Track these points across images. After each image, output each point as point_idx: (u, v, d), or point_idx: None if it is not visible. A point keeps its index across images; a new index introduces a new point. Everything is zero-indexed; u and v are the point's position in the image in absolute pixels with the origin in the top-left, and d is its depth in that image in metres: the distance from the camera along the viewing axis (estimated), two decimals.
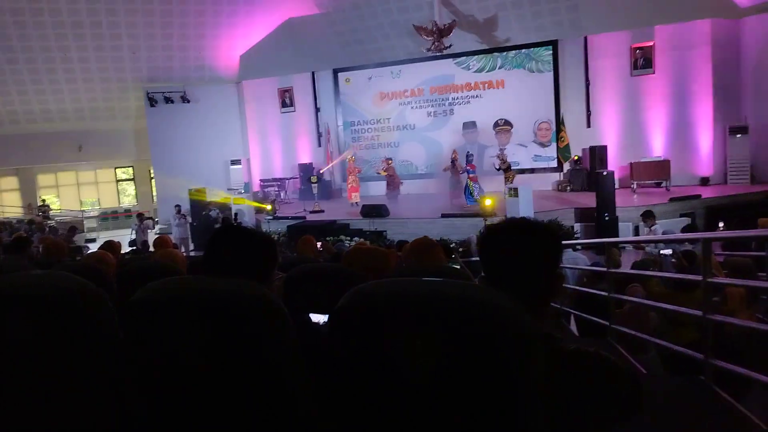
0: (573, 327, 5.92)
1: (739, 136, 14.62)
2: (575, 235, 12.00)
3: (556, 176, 16.95)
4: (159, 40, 19.27)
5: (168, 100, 19.63)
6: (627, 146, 15.81)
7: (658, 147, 15.63)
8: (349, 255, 2.58)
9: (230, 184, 19.72)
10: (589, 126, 16.39)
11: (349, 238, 12.48)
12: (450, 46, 17.52)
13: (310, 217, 15.42)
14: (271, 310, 1.18)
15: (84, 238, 18.19)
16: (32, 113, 20.28)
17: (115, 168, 24.05)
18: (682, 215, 12.31)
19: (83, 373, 1.26)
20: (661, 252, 5.84)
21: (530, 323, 0.96)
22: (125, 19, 18.19)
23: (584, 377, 1.13)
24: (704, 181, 15.15)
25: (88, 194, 23.98)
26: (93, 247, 10.89)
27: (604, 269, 5.06)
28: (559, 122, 16.39)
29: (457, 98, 18.10)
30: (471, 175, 14.58)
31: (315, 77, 19.76)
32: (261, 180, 20.34)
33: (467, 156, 14.89)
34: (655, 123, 15.74)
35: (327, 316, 1.88)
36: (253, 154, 21.07)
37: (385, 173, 16.55)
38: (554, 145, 16.70)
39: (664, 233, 9.10)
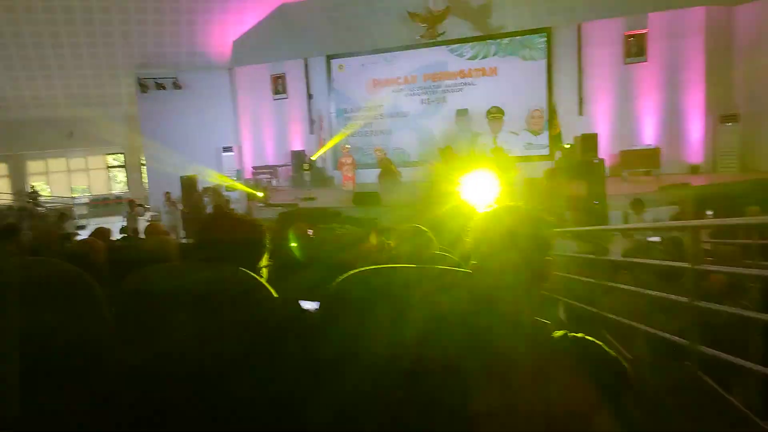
0: (562, 313, 5.96)
1: (729, 124, 14.67)
2: (565, 223, 12.03)
3: (548, 164, 16.96)
4: (150, 26, 19.06)
5: (160, 86, 19.45)
6: (618, 134, 15.84)
7: (649, 135, 15.67)
8: (327, 242, 2.57)
9: (222, 171, 19.62)
10: (581, 114, 16.40)
11: (341, 226, 12.47)
12: (443, 33, 17.43)
13: (303, 205, 15.39)
14: (260, 296, 1.19)
15: (74, 225, 18.08)
16: (22, 99, 20.05)
17: (106, 154, 23.86)
18: (671, 203, 12.37)
19: (74, 360, 1.27)
20: (649, 240, 5.88)
21: (520, 309, 0.98)
22: (116, 4, 17.96)
23: (572, 362, 1.14)
24: (694, 170, 15.21)
25: (79, 181, 23.81)
26: (83, 235, 10.82)
27: (593, 256, 5.10)
28: (552, 110, 16.40)
29: (450, 86, 18.05)
30: None
31: (308, 64, 19.63)
32: (253, 167, 20.24)
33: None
34: (646, 111, 15.77)
35: (318, 303, 1.89)
36: (245, 141, 20.96)
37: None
38: (546, 133, 16.72)
39: (654, 221, 9.16)
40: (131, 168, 23.91)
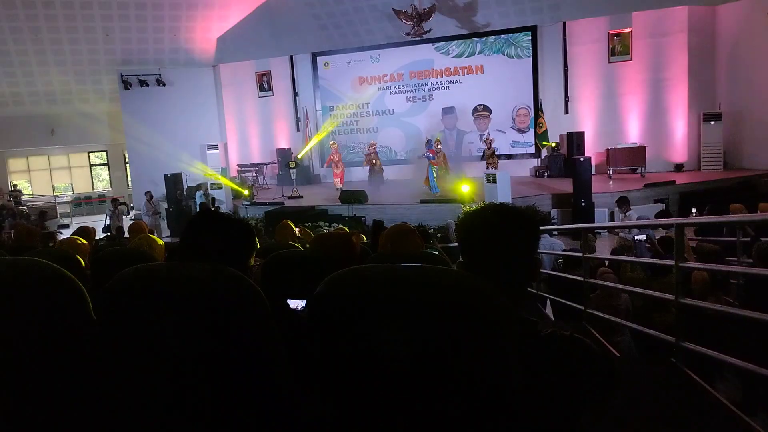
0: (549, 311, 6.00)
1: (713, 122, 14.86)
2: (552, 221, 12.13)
3: (534, 162, 17.08)
4: (133, 22, 18.85)
5: (143, 83, 19.28)
6: (604, 132, 15.98)
7: (634, 133, 15.83)
8: (313, 242, 2.57)
9: (206, 170, 19.49)
10: (567, 112, 16.52)
11: (327, 224, 12.46)
12: (429, 30, 17.44)
13: (289, 203, 15.35)
14: (249, 296, 1.18)
15: (57, 223, 17.89)
16: (2, 96, 19.75)
17: (89, 152, 23.60)
18: (656, 201, 12.51)
19: (57, 361, 1.24)
20: (636, 237, 5.93)
21: (507, 307, 0.97)
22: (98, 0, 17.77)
23: (560, 360, 1.14)
24: (678, 168, 15.39)
25: (61, 179, 23.52)
26: (66, 233, 10.72)
27: (580, 254, 5.13)
28: (538, 108, 16.50)
29: (437, 83, 18.08)
30: (432, 161, 14.73)
31: (293, 61, 19.57)
32: (238, 165, 20.15)
33: (427, 142, 15.09)
34: (631, 109, 15.92)
35: (304, 301, 1.88)
36: (230, 139, 20.85)
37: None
38: (532, 131, 16.81)
39: (638, 219, 9.24)
40: (114, 166, 23.66)
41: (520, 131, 17.20)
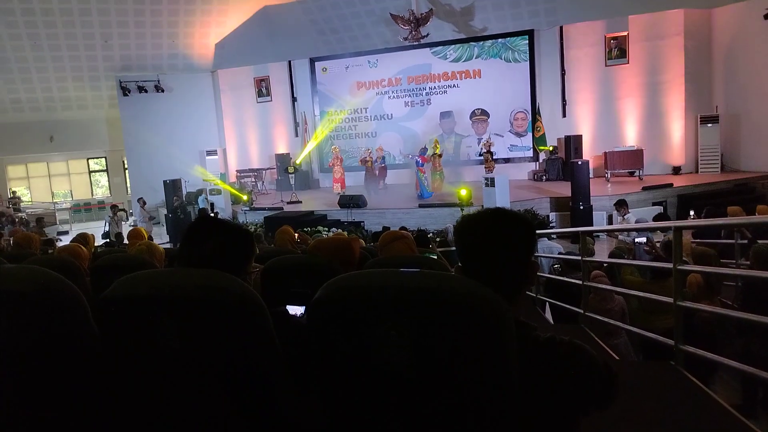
0: (548, 314, 6.00)
1: (710, 125, 14.88)
2: (550, 224, 12.14)
3: (532, 166, 17.10)
4: (131, 28, 18.88)
5: (141, 89, 19.28)
6: (601, 136, 16.00)
7: (631, 136, 15.84)
8: (313, 247, 2.57)
9: (206, 174, 19.48)
10: (564, 116, 16.54)
11: (326, 229, 12.46)
12: (427, 35, 17.47)
13: (288, 208, 15.34)
14: (248, 302, 1.18)
15: (56, 230, 17.87)
16: (2, 103, 19.75)
17: (88, 159, 23.59)
18: (654, 204, 12.52)
19: (57, 368, 1.25)
20: (636, 240, 5.92)
21: (506, 312, 0.98)
22: (97, 6, 17.76)
23: (559, 366, 1.14)
24: (676, 170, 15.41)
25: (60, 186, 23.50)
26: (65, 240, 10.71)
27: (579, 258, 5.13)
28: (535, 112, 16.52)
29: (434, 88, 18.10)
30: (420, 167, 14.81)
31: (291, 66, 19.58)
32: (237, 170, 20.14)
33: (422, 148, 15.21)
34: (628, 112, 15.94)
35: (304, 307, 1.88)
36: (229, 144, 20.84)
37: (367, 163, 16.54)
38: (530, 134, 16.83)
39: (636, 222, 9.25)
40: (113, 172, 23.65)
41: (518, 135, 17.21)
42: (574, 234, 8.82)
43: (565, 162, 15.68)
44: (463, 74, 17.71)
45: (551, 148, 16.40)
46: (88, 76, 19.82)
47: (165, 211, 16.02)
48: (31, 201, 22.14)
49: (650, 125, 15.69)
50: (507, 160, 17.09)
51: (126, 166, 21.71)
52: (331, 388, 1.11)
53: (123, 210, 15.89)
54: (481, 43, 17.45)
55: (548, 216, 12.66)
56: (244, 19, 19.94)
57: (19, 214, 18.20)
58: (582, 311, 4.84)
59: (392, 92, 18.60)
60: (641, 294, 4.29)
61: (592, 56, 16.12)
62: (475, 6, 17.51)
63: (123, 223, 15.07)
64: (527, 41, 16.78)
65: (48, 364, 1.23)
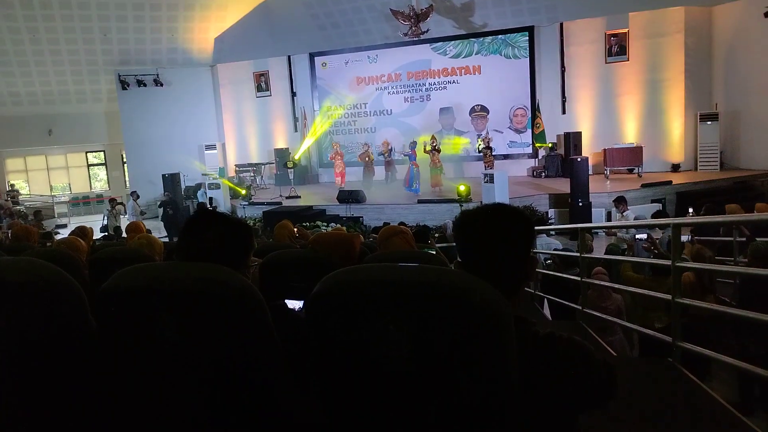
0: (546, 310, 6.01)
1: (709, 122, 14.89)
2: (549, 221, 12.15)
3: (531, 162, 17.10)
4: (130, 22, 18.83)
5: (140, 83, 19.25)
6: (601, 133, 15.99)
7: (631, 133, 15.85)
8: (313, 242, 2.57)
9: (205, 168, 19.47)
10: (564, 112, 16.53)
11: (325, 224, 12.46)
12: (427, 31, 17.46)
13: (287, 203, 15.34)
14: (246, 296, 1.18)
15: (54, 223, 17.86)
16: (0, 96, 19.71)
17: (86, 152, 23.55)
18: (653, 201, 12.53)
19: (54, 361, 1.24)
20: (637, 237, 5.93)
21: (505, 307, 0.98)
22: (96, 0, 17.73)
23: (558, 362, 1.14)
24: (675, 168, 15.41)
25: (59, 179, 23.47)
26: (64, 233, 10.70)
27: (577, 254, 5.14)
28: (535, 108, 16.51)
29: (434, 84, 18.09)
30: (414, 162, 14.84)
31: (291, 61, 19.55)
32: (236, 165, 20.13)
33: (411, 143, 15.21)
34: (628, 110, 15.94)
35: (302, 302, 1.88)
36: (228, 139, 20.83)
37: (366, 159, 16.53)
38: (530, 131, 16.83)
39: (635, 219, 9.26)
40: (112, 166, 23.62)
41: (518, 131, 17.21)
42: (573, 231, 8.83)
43: (564, 159, 15.68)
44: (463, 70, 17.69)
45: (550, 145, 16.40)
46: (86, 70, 19.77)
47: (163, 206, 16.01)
48: (30, 194, 22.11)
49: (650, 122, 15.69)
50: (506, 157, 17.07)
51: (125, 159, 21.69)
52: (330, 382, 1.11)
53: (121, 204, 15.87)
54: (481, 39, 17.42)
55: (547, 213, 12.66)
56: (243, 13, 19.89)
57: (18, 207, 18.19)
58: (580, 308, 4.84)
59: (392, 88, 18.58)
60: (640, 291, 4.30)
61: (592, 53, 16.10)
62: (476, 2, 17.49)
63: (121, 216, 15.06)
64: (527, 37, 16.76)
65: (46, 356, 1.23)
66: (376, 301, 1.01)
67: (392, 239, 2.96)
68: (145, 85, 19.29)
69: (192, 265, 1.28)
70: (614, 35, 15.83)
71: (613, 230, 10.31)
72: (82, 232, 4.86)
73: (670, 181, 13.41)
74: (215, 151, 19.93)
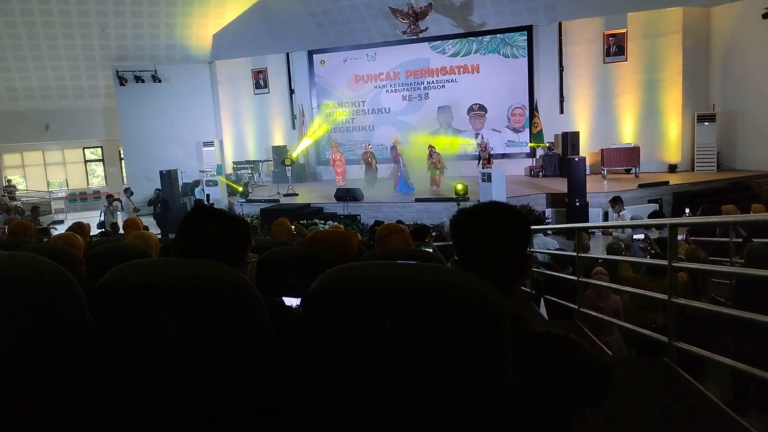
0: (543, 309, 6.01)
1: (706, 123, 14.92)
2: (546, 220, 12.16)
3: (529, 162, 17.11)
4: (129, 18, 18.77)
5: (138, 79, 19.20)
6: (598, 133, 16.01)
7: (628, 134, 15.87)
8: (311, 240, 2.57)
9: (202, 165, 19.44)
10: (562, 112, 16.54)
11: (323, 222, 12.45)
12: (426, 29, 17.45)
13: (284, 200, 15.33)
14: (243, 292, 1.18)
15: (51, 219, 17.81)
16: None
17: (84, 148, 23.47)
18: (650, 201, 12.55)
19: (52, 355, 1.24)
20: (634, 237, 5.95)
21: (502, 305, 0.98)
22: None
23: (554, 361, 1.14)
24: (672, 168, 15.44)
25: (56, 175, 23.39)
26: (60, 229, 10.67)
27: (574, 254, 5.15)
28: (533, 108, 16.51)
29: (432, 82, 18.08)
30: (398, 165, 14.87)
31: (289, 58, 19.52)
32: (234, 162, 20.10)
33: (391, 148, 15.22)
34: (626, 110, 15.96)
35: (299, 299, 1.88)
36: (225, 136, 20.79)
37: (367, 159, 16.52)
38: (527, 130, 16.84)
39: (632, 219, 9.27)
40: (109, 162, 23.55)
41: (516, 131, 17.22)
42: (570, 230, 8.83)
43: (561, 158, 15.69)
44: (462, 69, 17.69)
45: (547, 145, 16.41)
46: (84, 65, 19.71)
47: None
48: (26, 190, 22.03)
49: (647, 123, 15.71)
50: (504, 156, 17.08)
51: (122, 156, 21.62)
52: (328, 379, 1.12)
53: (118, 200, 15.86)
54: (480, 38, 17.42)
55: (544, 212, 12.67)
56: (242, 10, 19.86)
57: (14, 203, 18.12)
58: (576, 307, 4.85)
59: (390, 86, 18.57)
60: (637, 291, 4.31)
61: (591, 53, 16.12)
62: (474, 1, 17.48)
63: (118, 213, 15.03)
64: (526, 37, 16.76)
65: (43, 351, 1.23)
66: (373, 298, 1.02)
67: (390, 237, 2.97)
68: (142, 81, 19.24)
69: (189, 261, 1.28)
70: (612, 35, 15.84)
71: (609, 230, 10.34)
72: (80, 228, 4.85)
73: (667, 182, 13.43)
74: (213, 148, 19.89)
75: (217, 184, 15.99)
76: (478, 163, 15.02)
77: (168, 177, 16.07)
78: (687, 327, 3.72)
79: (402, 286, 1.00)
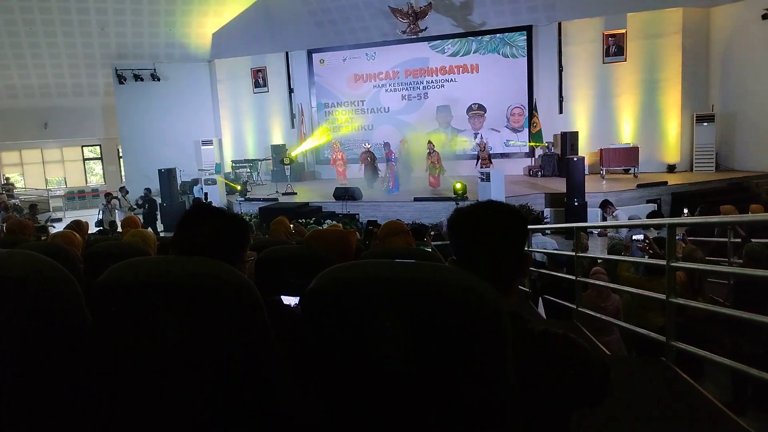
0: (541, 309, 6.02)
1: (705, 124, 14.93)
2: (545, 220, 12.16)
3: (528, 161, 17.11)
4: (128, 16, 18.75)
5: (137, 77, 19.18)
6: (597, 133, 16.01)
7: (627, 134, 15.87)
8: (310, 238, 2.56)
9: (201, 164, 19.43)
10: (561, 112, 16.54)
11: (323, 220, 12.46)
12: (425, 29, 17.44)
13: (283, 199, 15.32)
14: (242, 290, 1.18)
15: (49, 217, 17.79)
16: None
17: (82, 146, 23.45)
18: (648, 201, 12.56)
19: (50, 353, 1.24)
20: (633, 237, 5.93)
21: (501, 303, 0.98)
22: None
23: (553, 360, 1.14)
24: (671, 168, 15.45)
25: (54, 173, 23.36)
26: (59, 227, 10.65)
27: (572, 253, 5.15)
28: (532, 108, 16.52)
29: (432, 82, 18.07)
30: (391, 163, 14.84)
31: (289, 57, 19.50)
32: (233, 161, 20.08)
33: (385, 144, 15.18)
34: (625, 110, 15.96)
35: (298, 298, 1.88)
36: (224, 135, 20.76)
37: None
38: (526, 130, 16.84)
39: (630, 219, 9.28)
40: (108, 160, 23.53)
41: (515, 130, 17.21)
42: (568, 230, 8.84)
43: (560, 158, 15.69)
44: (461, 69, 17.68)
45: (545, 145, 16.41)
46: (83, 63, 19.69)
47: (159, 200, 15.97)
48: (25, 188, 22.01)
49: (646, 123, 15.72)
50: (503, 156, 17.07)
51: (121, 154, 21.60)
52: (327, 378, 1.11)
53: (117, 198, 15.85)
54: (479, 37, 17.41)
55: (543, 212, 12.67)
56: (242, 9, 19.85)
57: (13, 201, 18.11)
58: (575, 307, 4.85)
59: (389, 85, 18.55)
60: (636, 291, 4.31)
61: (590, 53, 16.12)
62: (474, 1, 17.47)
63: (116, 211, 15.02)
64: (525, 37, 16.75)
65: (41, 349, 1.23)
66: (371, 297, 1.01)
67: (394, 238, 2.95)
68: (142, 79, 19.22)
69: (187, 259, 1.28)
70: (612, 35, 15.84)
71: (604, 231, 10.36)
72: (78, 226, 4.85)
73: (666, 182, 13.44)
74: (212, 147, 19.87)
75: (215, 183, 15.97)
76: (477, 163, 15.03)
77: (167, 175, 16.05)
78: (685, 327, 3.73)
79: (400, 285, 1.00)
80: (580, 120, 16.35)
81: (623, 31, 15.71)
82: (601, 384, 1.22)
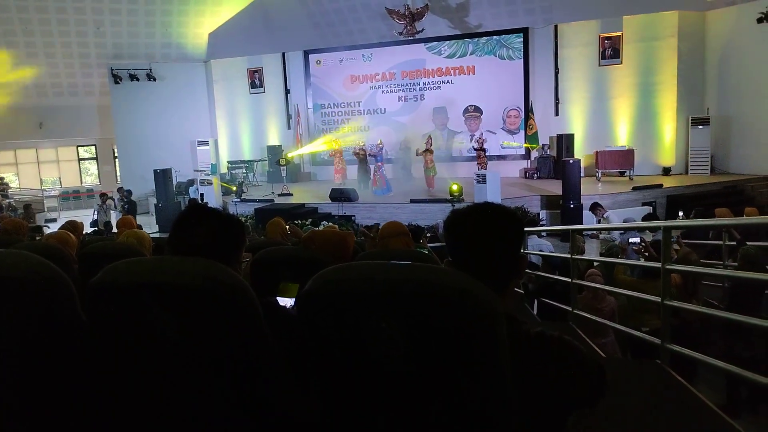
0: (535, 312, 6.02)
1: (701, 127, 14.99)
2: (541, 222, 12.18)
3: (524, 163, 17.14)
4: (124, 16, 18.70)
5: (133, 77, 19.12)
6: (593, 135, 16.04)
7: (623, 136, 15.92)
8: (306, 240, 2.56)
9: (197, 165, 19.38)
10: (557, 114, 16.58)
11: (319, 221, 12.45)
12: (422, 30, 17.46)
13: (279, 200, 15.30)
14: (237, 291, 1.17)
15: (44, 217, 17.73)
16: None
17: (77, 146, 23.36)
18: (643, 204, 12.59)
19: (45, 353, 1.24)
20: (630, 240, 5.94)
21: (497, 305, 0.98)
22: None
23: (549, 361, 1.14)
24: (666, 171, 15.50)
25: (49, 173, 23.27)
26: (53, 227, 10.62)
27: (568, 256, 5.16)
28: (528, 110, 16.55)
29: (428, 83, 18.09)
30: (379, 163, 14.86)
31: (285, 58, 19.48)
32: (229, 162, 20.05)
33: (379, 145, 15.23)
34: (620, 113, 16.01)
35: (293, 299, 1.88)
36: (220, 135, 20.72)
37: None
38: (523, 132, 16.87)
39: (624, 221, 9.30)
40: (103, 160, 23.44)
41: (511, 132, 17.23)
42: (564, 232, 8.85)
43: (556, 160, 15.72)
44: (457, 70, 17.70)
45: (541, 147, 16.45)
46: (79, 63, 19.63)
47: (155, 201, 15.93)
48: (19, 187, 21.91)
49: (642, 126, 15.77)
50: (499, 157, 17.10)
51: (116, 154, 21.53)
52: (324, 379, 1.11)
53: (112, 198, 15.80)
54: (476, 39, 17.44)
55: (539, 214, 12.70)
56: (238, 9, 19.83)
57: (7, 201, 18.03)
58: (570, 309, 4.86)
59: (386, 87, 18.56)
60: (632, 293, 4.32)
61: (586, 56, 16.16)
62: (471, 2, 17.51)
63: (112, 211, 14.98)
64: (522, 39, 16.79)
65: (36, 349, 1.22)
66: (366, 299, 1.01)
67: (393, 240, 2.95)
68: (137, 79, 19.16)
69: (182, 260, 1.27)
70: (608, 38, 15.88)
71: (598, 233, 10.37)
72: (73, 226, 4.83)
73: (661, 185, 13.48)
74: (207, 147, 19.84)
75: (211, 184, 15.94)
76: (474, 149, 15.12)
77: (162, 176, 16.01)
78: (680, 329, 3.74)
79: (395, 287, 1.00)
80: (576, 122, 16.38)
81: (619, 34, 15.76)
82: (597, 385, 1.22)
